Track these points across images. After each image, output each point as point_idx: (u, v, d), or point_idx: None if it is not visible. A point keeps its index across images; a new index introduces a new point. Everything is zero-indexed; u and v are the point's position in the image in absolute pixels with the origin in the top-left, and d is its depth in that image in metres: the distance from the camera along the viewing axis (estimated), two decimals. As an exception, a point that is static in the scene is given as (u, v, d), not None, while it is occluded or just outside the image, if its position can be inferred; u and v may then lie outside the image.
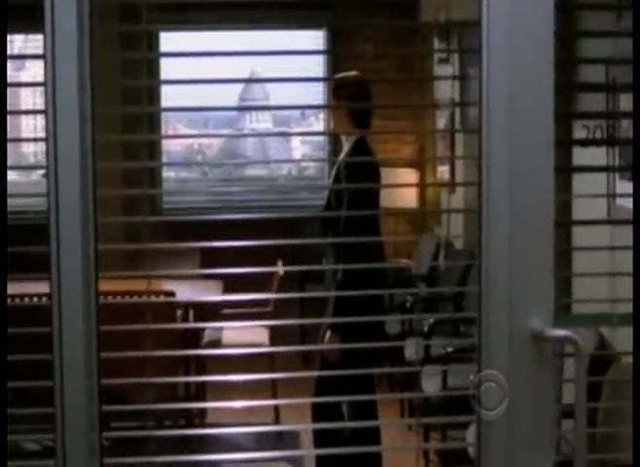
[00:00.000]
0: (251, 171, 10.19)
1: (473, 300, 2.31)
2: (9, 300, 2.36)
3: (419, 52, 4.80)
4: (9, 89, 2.24)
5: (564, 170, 2.70)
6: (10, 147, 2.32)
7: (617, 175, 3.41)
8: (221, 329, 7.24)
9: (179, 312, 6.19)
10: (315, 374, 4.70)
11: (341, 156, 5.16)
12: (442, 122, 8.46)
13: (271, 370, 6.30)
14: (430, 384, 5.10)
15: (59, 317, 2.15)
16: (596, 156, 3.11)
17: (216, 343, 6.89)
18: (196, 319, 6.66)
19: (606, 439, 3.29)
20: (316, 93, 9.31)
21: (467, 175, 7.13)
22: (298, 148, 10.55)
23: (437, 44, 8.29)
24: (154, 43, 7.97)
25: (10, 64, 2.33)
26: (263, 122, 10.38)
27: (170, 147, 9.84)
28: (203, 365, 6.36)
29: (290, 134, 11.50)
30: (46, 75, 2.11)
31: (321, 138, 10.13)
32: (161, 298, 5.66)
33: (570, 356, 2.24)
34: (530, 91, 2.22)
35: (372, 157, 5.30)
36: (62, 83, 2.11)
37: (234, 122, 10.28)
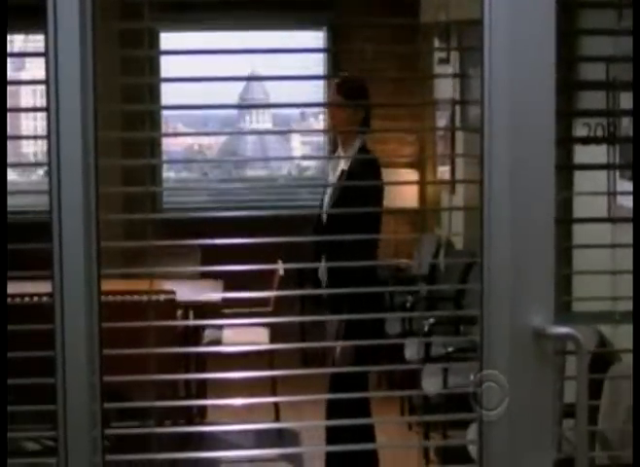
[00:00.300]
0: (251, 172, 10.19)
1: (473, 300, 2.32)
2: (11, 299, 2.36)
3: (419, 50, 4.77)
4: (8, 91, 2.25)
5: (565, 168, 2.70)
6: (10, 147, 2.32)
7: (617, 175, 3.41)
8: (221, 329, 7.24)
9: (179, 312, 6.20)
10: (315, 371, 4.68)
11: (342, 165, 5.07)
12: (442, 123, 8.48)
13: (271, 370, 6.30)
14: (430, 384, 5.10)
15: (62, 315, 2.16)
16: (597, 155, 3.11)
17: (216, 344, 6.89)
18: (197, 319, 6.67)
19: (606, 438, 3.30)
20: (316, 94, 9.31)
21: (467, 176, 7.13)
22: (297, 149, 10.55)
23: (437, 44, 8.31)
24: (154, 43, 7.99)
25: (10, 65, 2.33)
26: (262, 122, 10.39)
27: (170, 147, 9.85)
28: (204, 366, 6.37)
29: (291, 131, 11.49)
30: (48, 72, 2.11)
31: (321, 139, 10.14)
32: (162, 297, 5.67)
33: (571, 354, 2.24)
34: (532, 90, 2.22)
35: (377, 167, 5.13)
36: (64, 80, 2.11)
37: (234, 122, 10.29)
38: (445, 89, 7.96)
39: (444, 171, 8.35)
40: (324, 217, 5.06)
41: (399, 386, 6.76)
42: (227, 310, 6.37)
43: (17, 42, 8.71)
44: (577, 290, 3.13)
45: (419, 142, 9.12)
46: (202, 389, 6.35)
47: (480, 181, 2.24)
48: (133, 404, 2.43)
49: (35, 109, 2.15)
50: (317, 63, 9.45)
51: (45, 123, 2.17)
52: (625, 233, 3.17)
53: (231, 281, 3.54)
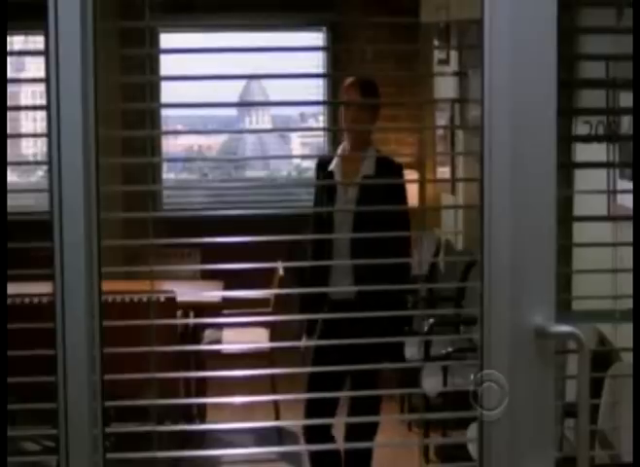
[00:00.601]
0: (250, 173, 10.19)
1: (473, 300, 2.31)
2: (12, 300, 2.36)
3: (419, 50, 4.77)
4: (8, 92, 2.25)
5: (566, 166, 2.70)
6: (9, 149, 2.32)
7: (617, 175, 3.41)
8: (221, 330, 7.24)
9: (179, 313, 6.20)
10: (314, 370, 4.68)
11: (363, 169, 4.90)
12: (441, 124, 8.49)
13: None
14: (430, 384, 5.10)
15: (62, 313, 2.16)
16: (597, 154, 3.11)
17: (216, 345, 6.89)
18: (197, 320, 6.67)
19: (606, 438, 3.29)
20: (315, 95, 9.31)
21: (467, 177, 7.13)
22: (297, 150, 10.55)
23: (437, 45, 8.32)
24: (154, 43, 7.99)
25: (9, 66, 2.33)
26: (262, 124, 10.39)
27: (170, 148, 9.85)
28: (203, 368, 6.37)
29: (294, 130, 11.48)
30: (48, 70, 2.11)
31: (321, 140, 10.13)
32: (162, 298, 5.67)
33: (573, 352, 2.24)
34: (532, 88, 2.22)
35: (402, 172, 5.14)
36: (65, 78, 2.11)
37: (234, 124, 10.29)
38: (445, 90, 7.98)
39: (444, 172, 8.35)
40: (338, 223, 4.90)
41: (399, 386, 6.77)
42: (227, 311, 6.38)
43: (16, 44, 8.71)
44: (577, 289, 3.13)
45: (419, 143, 9.13)
46: (202, 391, 6.35)
47: (480, 179, 2.24)
48: (134, 402, 2.42)
49: (35, 107, 2.16)
50: (317, 65, 9.45)
51: (44, 124, 2.17)
52: (625, 232, 3.17)
53: (231, 282, 3.54)
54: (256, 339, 6.87)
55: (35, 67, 7.87)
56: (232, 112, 10.30)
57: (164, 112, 9.06)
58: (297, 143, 10.56)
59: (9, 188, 2.26)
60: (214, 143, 10.57)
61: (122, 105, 4.24)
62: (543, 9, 2.22)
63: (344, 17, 8.90)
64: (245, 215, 2.95)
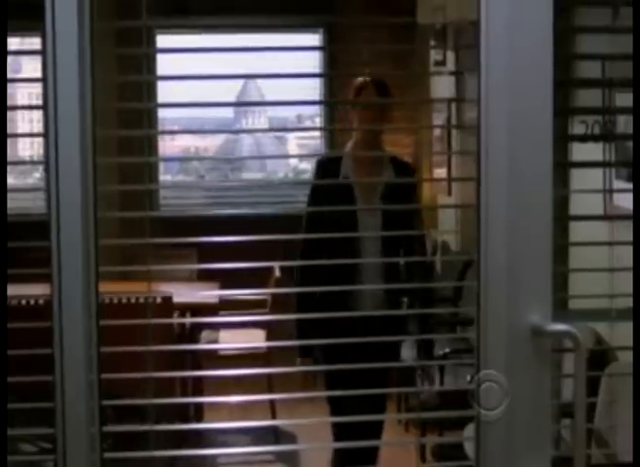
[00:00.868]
0: (247, 175, 10.20)
1: (470, 301, 2.31)
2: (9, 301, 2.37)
3: (416, 50, 4.77)
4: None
5: (562, 166, 2.71)
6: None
7: (613, 175, 3.42)
8: (217, 331, 7.25)
9: (176, 314, 6.19)
10: (310, 369, 4.66)
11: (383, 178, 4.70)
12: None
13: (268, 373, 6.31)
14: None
15: (60, 313, 2.16)
16: (593, 154, 3.12)
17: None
18: (194, 322, 6.66)
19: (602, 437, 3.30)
20: (313, 97, 9.33)
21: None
22: (294, 152, 10.56)
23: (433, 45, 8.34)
24: (151, 44, 7.99)
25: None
26: (259, 126, 10.40)
27: (167, 150, 9.86)
28: (200, 369, 6.36)
29: (293, 130, 11.48)
30: (45, 70, 2.12)
31: (318, 141, 10.14)
32: (159, 299, 5.68)
33: (569, 351, 2.25)
34: (529, 88, 2.23)
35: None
36: (62, 77, 2.12)
37: (231, 126, 10.30)
38: (442, 91, 8.00)
39: (440, 173, 8.37)
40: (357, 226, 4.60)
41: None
42: (224, 312, 6.38)
43: (12, 45, 8.72)
44: (574, 288, 3.13)
45: (416, 144, 9.13)
46: (199, 392, 6.35)
47: (476, 179, 2.24)
48: (131, 401, 2.42)
49: (32, 107, 2.15)
50: (313, 67, 9.47)
51: (41, 126, 2.17)
52: (622, 231, 3.18)
53: (228, 284, 3.54)
54: (252, 340, 6.87)
55: (31, 68, 7.88)
56: (229, 114, 10.31)
57: (161, 114, 9.06)
58: (293, 145, 10.57)
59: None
60: (211, 145, 10.58)
61: (118, 104, 4.23)
62: (539, 10, 2.22)
63: (341, 18, 8.91)
64: (242, 215, 2.96)
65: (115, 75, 3.01)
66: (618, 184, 3.61)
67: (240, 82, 9.82)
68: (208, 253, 2.91)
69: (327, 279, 3.14)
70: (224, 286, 6.35)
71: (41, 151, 2.17)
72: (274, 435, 6.32)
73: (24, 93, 9.05)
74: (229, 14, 8.40)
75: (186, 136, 10.51)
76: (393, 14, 7.78)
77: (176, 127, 9.77)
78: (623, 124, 3.62)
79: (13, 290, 2.32)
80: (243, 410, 5.37)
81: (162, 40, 8.59)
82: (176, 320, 5.92)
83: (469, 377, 2.42)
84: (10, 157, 8.47)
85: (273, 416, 6.41)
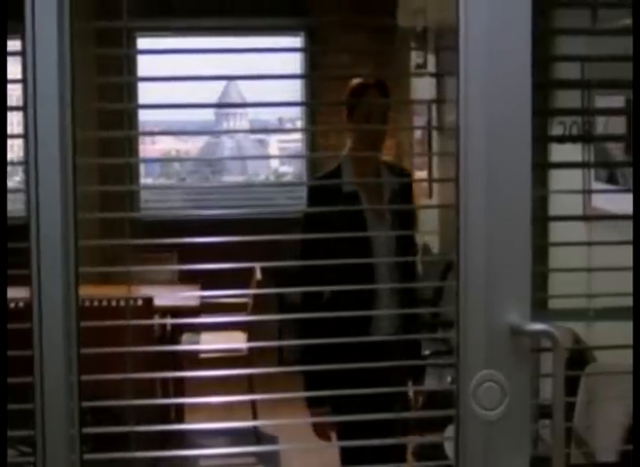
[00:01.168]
0: (228, 178, 10.19)
1: (451, 302, 2.32)
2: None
3: (397, 51, 4.77)
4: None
5: (541, 166, 2.72)
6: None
7: (592, 176, 3.45)
8: (199, 334, 7.24)
9: (156, 317, 6.19)
10: (290, 369, 4.61)
11: (388, 187, 4.33)
12: (419, 131, 8.53)
13: (249, 375, 6.31)
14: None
15: (40, 314, 2.15)
16: (572, 156, 3.14)
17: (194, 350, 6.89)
18: (175, 325, 6.66)
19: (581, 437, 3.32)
20: (295, 99, 9.35)
21: (444, 183, 7.16)
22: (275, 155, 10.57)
23: (414, 51, 8.36)
24: (131, 46, 7.99)
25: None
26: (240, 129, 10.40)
27: (148, 153, 9.84)
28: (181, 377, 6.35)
29: (276, 131, 11.47)
30: (25, 71, 2.11)
31: (299, 144, 10.15)
32: (140, 302, 5.67)
33: (548, 351, 2.25)
34: (507, 90, 2.23)
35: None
36: (42, 79, 2.11)
37: (212, 129, 10.29)
38: (422, 95, 8.02)
39: (420, 176, 8.39)
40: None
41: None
42: (205, 316, 6.37)
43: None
44: (553, 289, 3.16)
45: (396, 147, 9.15)
46: (180, 395, 6.35)
47: (455, 180, 2.25)
48: (111, 403, 2.41)
49: (12, 108, 2.15)
50: (294, 70, 9.49)
51: (21, 129, 2.17)
52: (599, 232, 3.20)
53: (209, 286, 3.54)
54: (234, 343, 6.87)
55: (12, 70, 7.83)
56: (210, 117, 10.30)
57: (142, 117, 9.04)
58: (275, 148, 10.59)
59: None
60: (192, 148, 10.57)
61: (98, 105, 4.23)
62: (518, 12, 2.23)
63: (322, 20, 8.92)
64: (223, 219, 2.95)
65: (95, 76, 3.01)
66: (596, 185, 3.64)
67: (222, 85, 9.83)
68: (189, 256, 2.91)
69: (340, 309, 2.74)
70: (205, 289, 6.35)
71: (21, 153, 2.16)
72: (255, 437, 6.32)
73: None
74: (210, 16, 8.40)
75: (167, 139, 10.50)
76: (373, 16, 7.80)
77: (157, 130, 9.78)
78: (602, 125, 3.65)
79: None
80: (225, 411, 5.36)
81: (144, 43, 8.59)
82: (157, 321, 5.91)
83: (449, 379, 2.42)
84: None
85: (255, 418, 6.41)
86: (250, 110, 10.39)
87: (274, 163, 10.46)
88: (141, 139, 9.62)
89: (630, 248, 2.36)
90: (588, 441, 3.29)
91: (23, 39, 2.13)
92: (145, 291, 5.87)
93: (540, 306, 2.50)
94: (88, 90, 2.39)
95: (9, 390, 2.21)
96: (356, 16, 7.99)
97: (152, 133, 11.08)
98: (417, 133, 8.65)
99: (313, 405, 4.29)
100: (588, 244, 2.66)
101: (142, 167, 9.80)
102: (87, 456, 2.24)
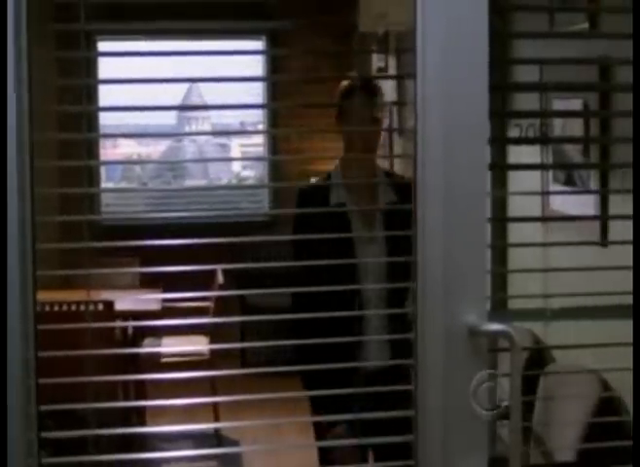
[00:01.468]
0: (190, 182, 10.18)
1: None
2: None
3: (357, 54, 4.79)
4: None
5: (498, 167, 2.74)
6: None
7: (550, 178, 3.47)
8: (160, 339, 7.22)
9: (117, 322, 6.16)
10: (253, 371, 4.57)
11: (384, 199, 3.86)
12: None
13: (211, 379, 6.29)
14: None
15: (-4, 316, 2.14)
16: (531, 159, 3.16)
17: (155, 355, 6.87)
18: (136, 330, 6.63)
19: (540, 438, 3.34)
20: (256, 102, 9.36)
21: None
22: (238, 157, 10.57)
23: (375, 55, 8.39)
24: (91, 50, 7.95)
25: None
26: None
27: (109, 157, 9.80)
28: (143, 381, 6.32)
29: (238, 133, 11.44)
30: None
31: (260, 148, 10.15)
32: (100, 307, 5.64)
33: (505, 350, 2.27)
34: (465, 93, 2.25)
35: None
36: (-1, 80, 2.11)
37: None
38: (384, 98, 8.04)
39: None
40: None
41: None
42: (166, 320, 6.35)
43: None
44: (514, 289, 3.18)
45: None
46: (142, 398, 6.32)
47: (414, 182, 2.26)
48: (70, 406, 2.40)
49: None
50: (256, 74, 9.49)
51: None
52: (556, 234, 3.24)
53: (171, 291, 3.53)
54: (196, 346, 6.86)
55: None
56: (172, 121, 10.28)
57: (103, 121, 9.02)
58: (237, 152, 10.58)
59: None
60: (154, 152, 10.54)
61: (58, 107, 4.21)
62: (475, 15, 2.25)
63: (284, 23, 8.93)
64: (184, 223, 2.95)
65: (55, 79, 2.99)
66: (554, 188, 3.67)
67: (183, 90, 9.81)
68: (150, 260, 2.90)
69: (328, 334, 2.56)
70: (166, 293, 6.34)
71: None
72: (217, 441, 6.31)
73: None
74: (170, 19, 8.38)
75: (128, 143, 10.46)
76: (336, 21, 7.83)
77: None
78: (560, 128, 3.68)
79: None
80: (186, 415, 5.34)
81: (105, 46, 8.56)
82: (118, 324, 5.89)
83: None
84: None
85: (216, 417, 6.40)
86: (212, 114, 10.36)
87: (236, 168, 10.45)
88: (102, 143, 9.57)
89: (585, 249, 2.39)
90: (547, 440, 3.31)
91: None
92: (106, 296, 5.83)
93: (500, 307, 2.52)
94: (47, 93, 2.38)
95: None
96: (317, 20, 8.01)
97: (112, 135, 11.04)
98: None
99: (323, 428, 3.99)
100: (543, 245, 2.68)
101: (103, 171, 9.75)
102: (45, 461, 2.22)
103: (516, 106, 3.52)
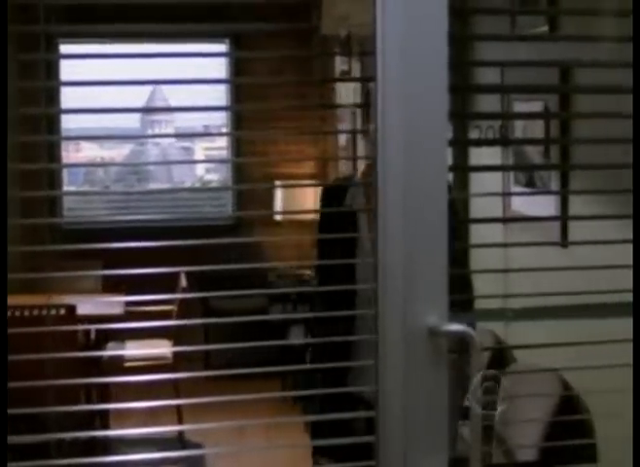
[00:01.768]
0: (154, 185, 10.14)
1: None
2: None
3: (319, 58, 4.80)
4: None
5: (458, 169, 2.76)
6: None
7: (512, 180, 3.49)
8: (123, 343, 7.19)
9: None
10: (216, 373, 4.54)
11: None
12: (343, 138, 8.57)
13: (175, 383, 6.28)
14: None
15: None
16: (492, 161, 3.18)
17: (118, 358, 6.83)
18: (99, 334, 6.59)
19: (502, 437, 3.36)
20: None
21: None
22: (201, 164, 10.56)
23: (338, 58, 8.40)
24: (53, 52, 7.90)
25: None
26: (166, 137, 10.36)
27: (72, 161, 9.75)
28: (105, 383, 6.28)
29: (202, 135, 11.41)
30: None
31: (224, 152, 10.14)
32: (62, 311, 5.60)
33: (465, 351, 2.28)
34: (424, 95, 2.26)
35: None
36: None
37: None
38: (348, 101, 8.06)
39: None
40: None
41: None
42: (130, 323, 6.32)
43: None
44: (478, 290, 3.20)
45: (322, 154, 9.20)
46: (105, 402, 6.29)
47: (374, 184, 2.27)
48: (34, 410, 2.38)
49: None
50: (220, 77, 9.49)
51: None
52: (516, 234, 3.26)
53: (134, 295, 3.52)
54: (159, 350, 6.84)
55: None
56: (135, 124, 10.24)
57: (66, 125, 8.97)
58: (200, 156, 10.56)
59: None
60: (117, 155, 10.49)
61: (19, 110, 4.17)
62: (434, 16, 2.26)
63: (246, 25, 8.93)
64: (147, 226, 2.94)
65: (16, 81, 2.96)
66: (515, 189, 3.69)
67: (146, 93, 9.78)
68: (113, 264, 2.89)
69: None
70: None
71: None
72: (181, 445, 6.29)
73: None
74: (134, 22, 8.35)
75: (91, 147, 10.40)
76: (298, 23, 7.83)
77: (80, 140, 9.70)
78: (521, 130, 3.70)
79: None
80: (150, 418, 5.34)
81: (67, 49, 8.50)
82: (80, 327, 5.85)
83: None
84: None
85: (180, 422, 6.38)
86: (176, 117, 10.33)
87: (200, 171, 10.42)
88: (64, 147, 9.50)
89: (546, 249, 2.41)
90: (509, 439, 3.33)
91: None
92: (68, 300, 5.79)
93: (465, 309, 2.53)
94: (8, 96, 2.36)
95: None
96: (280, 23, 8.00)
97: (74, 138, 10.98)
98: (342, 140, 8.68)
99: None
100: (505, 246, 2.70)
101: (65, 175, 9.69)
102: (11, 465, 2.21)
103: (478, 108, 3.54)
